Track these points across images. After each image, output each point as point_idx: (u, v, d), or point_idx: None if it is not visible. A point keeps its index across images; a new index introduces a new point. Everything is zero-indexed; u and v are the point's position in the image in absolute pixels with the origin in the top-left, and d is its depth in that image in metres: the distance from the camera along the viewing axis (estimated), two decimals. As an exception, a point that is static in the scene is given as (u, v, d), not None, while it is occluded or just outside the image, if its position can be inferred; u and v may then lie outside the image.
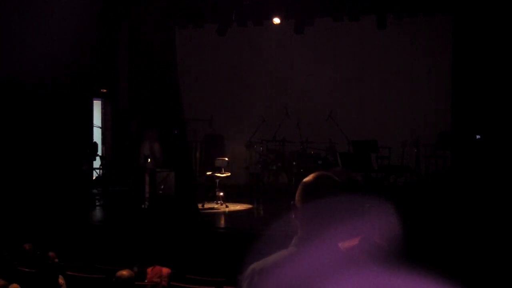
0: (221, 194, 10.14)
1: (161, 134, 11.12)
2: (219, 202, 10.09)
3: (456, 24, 11.20)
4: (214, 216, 9.51)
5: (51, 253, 6.60)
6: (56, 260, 6.53)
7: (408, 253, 3.05)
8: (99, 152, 11.78)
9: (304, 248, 2.01)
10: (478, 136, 10.32)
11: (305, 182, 2.07)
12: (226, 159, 10.74)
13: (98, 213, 10.12)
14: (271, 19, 11.75)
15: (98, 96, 12.63)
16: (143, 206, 9.69)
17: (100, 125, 12.61)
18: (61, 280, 5.75)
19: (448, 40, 11.51)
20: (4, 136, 9.77)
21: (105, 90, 12.60)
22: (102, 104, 12.87)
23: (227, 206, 9.98)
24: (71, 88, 11.02)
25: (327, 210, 2.00)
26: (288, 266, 2.00)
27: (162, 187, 9.75)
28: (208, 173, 10.68)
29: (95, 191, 11.43)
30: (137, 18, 12.30)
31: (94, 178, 11.58)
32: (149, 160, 9.94)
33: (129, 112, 13.12)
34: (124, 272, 4.67)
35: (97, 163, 11.64)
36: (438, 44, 12.08)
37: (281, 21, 11.73)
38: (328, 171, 2.30)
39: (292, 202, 2.08)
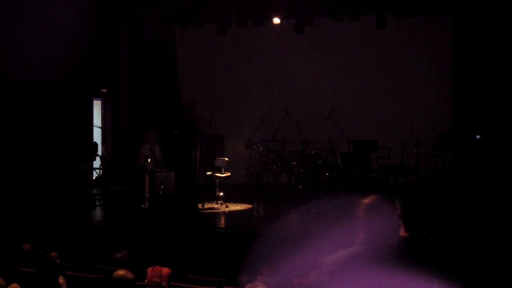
0: (221, 194, 10.14)
1: (162, 136, 11.13)
2: (219, 202, 10.09)
3: (456, 24, 11.21)
4: (214, 216, 9.51)
5: (53, 253, 6.61)
6: (58, 261, 6.53)
7: (408, 253, 3.08)
8: (99, 152, 11.77)
9: (368, 245, 2.83)
10: (478, 136, 10.32)
11: (365, 203, 2.95)
12: (226, 159, 10.74)
13: (98, 213, 10.12)
14: (271, 19, 11.75)
15: (98, 96, 12.63)
16: (143, 206, 9.69)
17: (100, 125, 12.61)
18: (61, 280, 5.75)
19: (448, 40, 11.52)
20: (4, 136, 9.77)
21: (105, 90, 12.60)
22: (102, 104, 12.86)
23: (227, 206, 9.98)
24: (71, 88, 11.02)
25: (380, 221, 2.85)
26: (361, 259, 2.74)
27: (162, 187, 9.75)
28: (208, 173, 10.68)
29: (95, 191, 11.42)
30: (137, 18, 12.31)
31: (94, 178, 11.57)
32: (149, 160, 9.94)
33: (129, 112, 13.12)
34: (122, 272, 4.65)
35: (97, 163, 11.64)
36: (438, 44, 12.08)
37: (281, 21, 11.73)
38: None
39: (355, 215, 2.93)
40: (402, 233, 2.93)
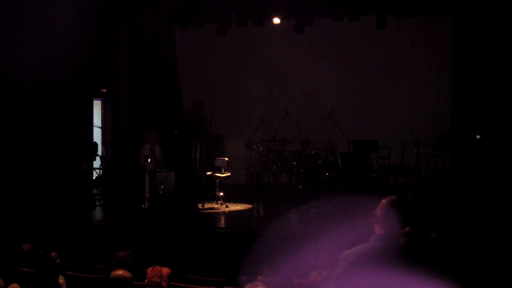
0: (221, 194, 10.14)
1: (162, 136, 11.12)
2: (219, 202, 10.09)
3: (456, 24, 11.21)
4: (214, 216, 9.51)
5: (53, 253, 6.60)
6: (58, 261, 6.53)
7: (408, 253, 3.16)
8: (99, 152, 11.77)
9: (384, 241, 3.04)
10: (478, 136, 10.32)
11: (383, 203, 3.14)
12: (226, 159, 10.74)
13: (98, 213, 10.12)
14: (271, 19, 11.75)
15: (98, 96, 12.63)
16: (143, 206, 9.69)
17: (100, 125, 12.61)
18: (61, 280, 5.75)
19: (448, 40, 11.52)
20: (4, 136, 9.77)
21: (105, 90, 12.59)
22: (102, 104, 12.86)
23: (227, 206, 9.98)
24: (71, 88, 11.02)
25: (396, 220, 3.07)
26: (378, 254, 2.98)
27: (162, 187, 9.75)
28: (208, 173, 10.68)
29: (95, 191, 11.42)
30: (137, 18, 12.31)
31: (94, 178, 11.57)
32: (149, 160, 9.94)
33: (129, 112, 13.13)
34: (120, 271, 4.64)
35: (97, 163, 11.64)
36: (438, 44, 12.08)
37: (281, 21, 11.73)
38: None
39: (374, 213, 3.13)
40: (431, 233, 3.35)
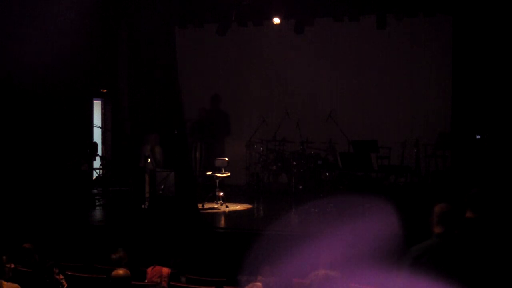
0: (221, 194, 10.14)
1: (163, 138, 11.10)
2: (219, 202, 10.10)
3: (456, 24, 11.20)
4: (214, 216, 9.51)
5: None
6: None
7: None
8: (99, 152, 11.77)
9: (444, 239, 3.92)
10: (478, 136, 10.32)
11: (437, 209, 4.01)
12: (226, 159, 10.74)
13: (98, 213, 10.12)
14: (271, 19, 11.75)
15: (98, 96, 12.63)
16: (143, 206, 9.69)
17: (100, 125, 12.61)
18: (57, 276, 5.74)
19: (448, 40, 11.51)
20: (4, 136, 9.77)
21: (105, 90, 12.59)
22: (102, 104, 12.86)
23: (227, 206, 9.98)
24: (71, 88, 11.01)
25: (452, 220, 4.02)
26: (440, 249, 3.86)
27: (162, 187, 9.75)
28: (208, 173, 10.68)
29: (95, 191, 11.42)
30: (137, 18, 12.30)
31: (94, 178, 11.57)
32: (149, 160, 9.94)
33: (129, 112, 13.12)
34: (120, 271, 4.64)
35: (97, 163, 11.64)
36: (438, 44, 12.07)
37: (281, 21, 11.73)
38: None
39: (430, 217, 3.99)
40: (468, 214, 4.31)
